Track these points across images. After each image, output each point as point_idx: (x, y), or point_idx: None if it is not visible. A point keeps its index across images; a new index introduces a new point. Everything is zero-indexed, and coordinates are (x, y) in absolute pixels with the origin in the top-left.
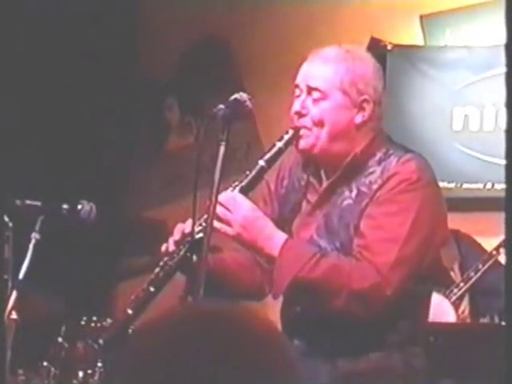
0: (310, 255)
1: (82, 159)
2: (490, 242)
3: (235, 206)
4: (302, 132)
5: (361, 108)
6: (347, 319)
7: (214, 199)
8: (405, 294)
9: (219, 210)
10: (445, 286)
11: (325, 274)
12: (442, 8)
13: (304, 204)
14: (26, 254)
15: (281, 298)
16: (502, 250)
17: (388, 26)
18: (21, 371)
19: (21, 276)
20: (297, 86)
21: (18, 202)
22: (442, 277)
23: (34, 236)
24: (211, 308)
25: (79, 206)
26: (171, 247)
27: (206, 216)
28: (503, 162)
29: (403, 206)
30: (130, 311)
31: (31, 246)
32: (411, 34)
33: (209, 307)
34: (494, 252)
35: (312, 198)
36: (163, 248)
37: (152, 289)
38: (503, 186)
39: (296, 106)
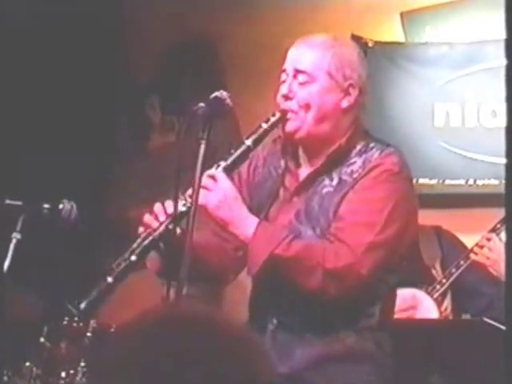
0: (283, 236)
1: (63, 158)
2: (471, 238)
3: (216, 184)
4: (288, 115)
5: (347, 93)
6: (321, 299)
7: (194, 197)
8: (378, 280)
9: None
10: (426, 283)
11: (298, 252)
12: (423, 5)
13: (282, 191)
14: (6, 254)
15: (249, 282)
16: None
17: (368, 23)
18: (3, 371)
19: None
20: (284, 71)
21: None
22: (420, 275)
23: (15, 236)
24: (191, 310)
25: (60, 206)
26: (154, 222)
27: (189, 193)
28: (485, 158)
29: (383, 194)
30: (110, 279)
31: (12, 246)
32: (392, 31)
33: (189, 309)
34: (476, 248)
35: (291, 184)
36: (146, 218)
37: (133, 258)
38: (485, 181)
39: (283, 90)
